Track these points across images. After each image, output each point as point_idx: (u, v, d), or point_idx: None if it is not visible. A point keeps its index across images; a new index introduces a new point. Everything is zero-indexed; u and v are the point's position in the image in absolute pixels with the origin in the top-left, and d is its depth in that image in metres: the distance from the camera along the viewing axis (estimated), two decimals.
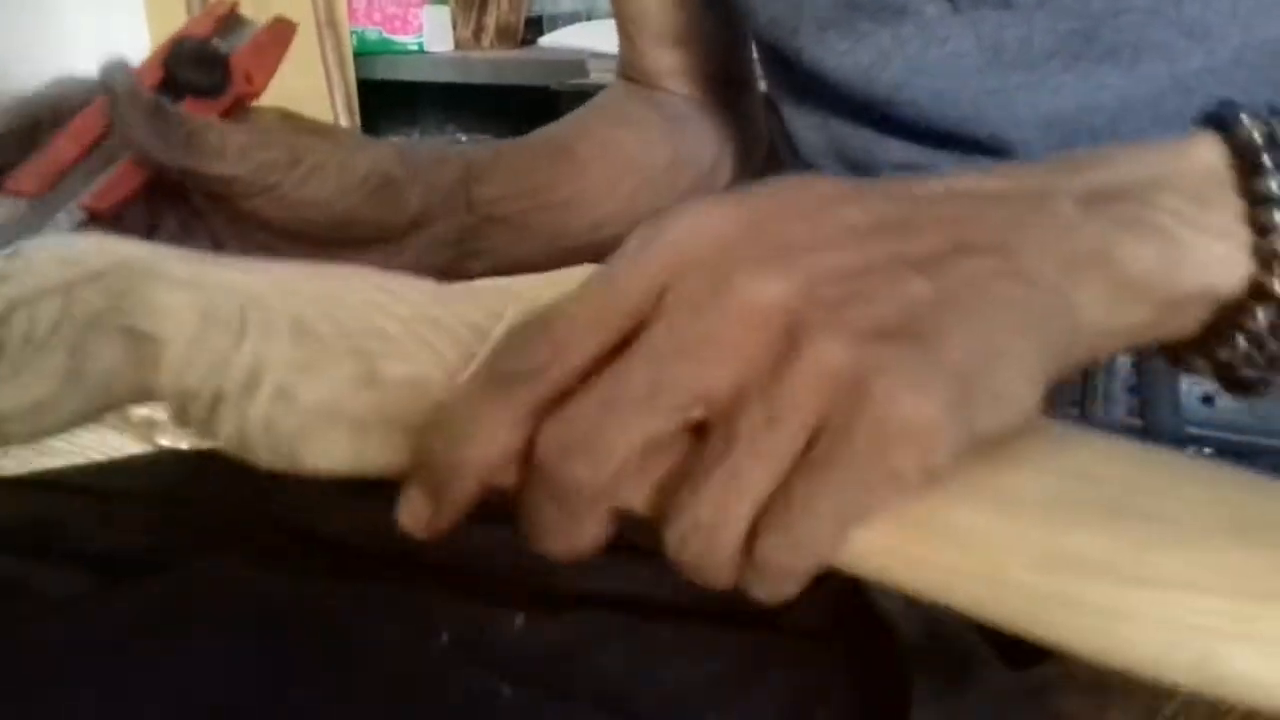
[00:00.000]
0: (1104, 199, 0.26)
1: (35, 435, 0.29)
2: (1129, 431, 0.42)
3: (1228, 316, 0.26)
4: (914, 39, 0.42)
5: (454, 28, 2.94)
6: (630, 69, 0.60)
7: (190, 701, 0.35)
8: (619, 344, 0.23)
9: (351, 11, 2.79)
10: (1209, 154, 0.27)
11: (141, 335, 0.27)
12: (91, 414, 0.29)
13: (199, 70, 0.41)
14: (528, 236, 0.47)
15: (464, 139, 3.37)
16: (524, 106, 2.85)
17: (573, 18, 2.86)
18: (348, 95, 2.57)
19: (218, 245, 0.41)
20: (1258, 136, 0.26)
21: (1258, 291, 0.25)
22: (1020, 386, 0.23)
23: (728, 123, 0.60)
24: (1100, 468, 0.24)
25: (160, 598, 0.36)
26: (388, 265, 0.40)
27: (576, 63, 2.03)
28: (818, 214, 0.24)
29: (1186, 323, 0.26)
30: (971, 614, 0.24)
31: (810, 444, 0.22)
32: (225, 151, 0.40)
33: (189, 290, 0.27)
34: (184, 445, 1.03)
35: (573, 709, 0.34)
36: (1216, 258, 0.26)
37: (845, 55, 0.43)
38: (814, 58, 0.44)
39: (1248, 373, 0.27)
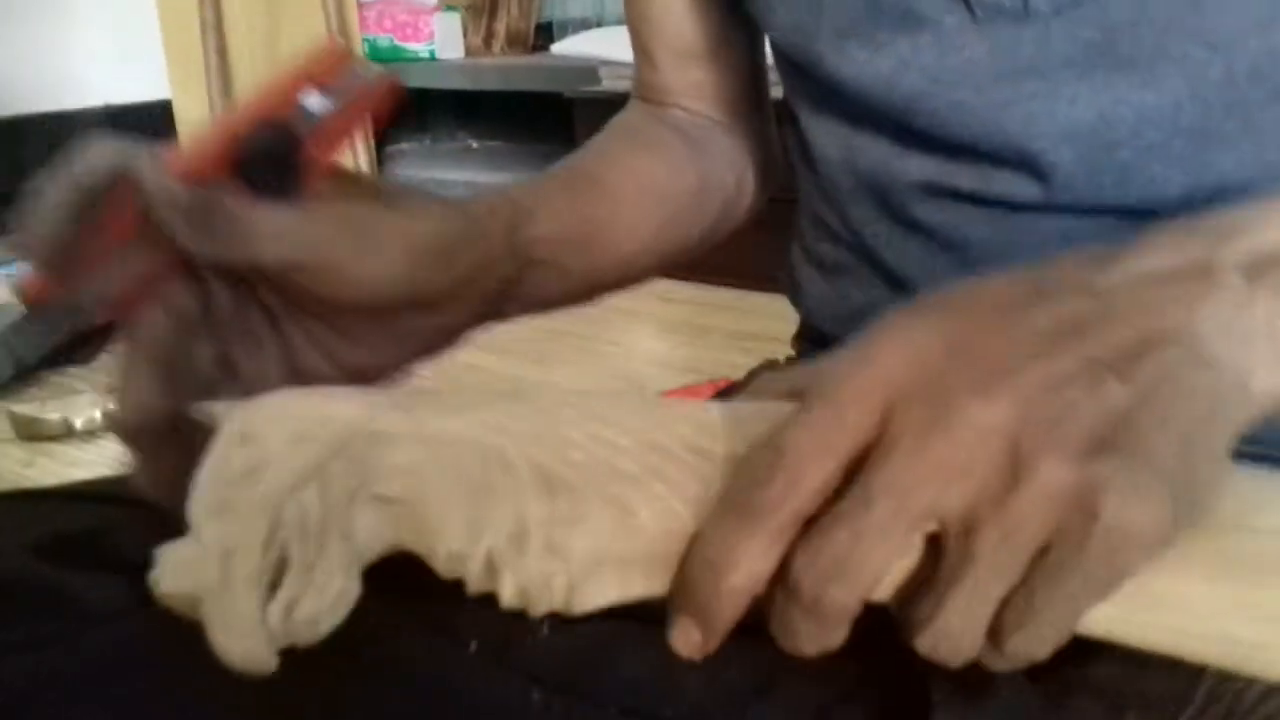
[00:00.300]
0: (1266, 266, 0.27)
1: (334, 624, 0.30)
2: None
3: None
4: (932, 48, 0.42)
5: (465, 35, 2.96)
6: (647, 90, 0.59)
7: (230, 710, 0.36)
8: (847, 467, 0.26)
9: (363, 19, 2.81)
10: None
11: (391, 500, 0.29)
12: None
13: (269, 174, 0.35)
14: (563, 276, 0.47)
15: (475, 145, 3.38)
16: (536, 112, 2.87)
17: (582, 24, 2.88)
18: None
19: (273, 320, 0.39)
20: None
21: None
22: (1214, 469, 0.26)
23: (748, 141, 0.60)
24: None
25: None
26: (439, 325, 0.40)
27: (588, 69, 2.04)
28: (1009, 325, 0.26)
29: None
30: (1196, 662, 0.28)
31: (1043, 551, 0.25)
32: (280, 237, 0.36)
33: (417, 447, 0.29)
34: None
35: (601, 714, 0.34)
36: None
37: (865, 64, 0.43)
38: (833, 66, 0.44)
39: None
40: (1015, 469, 0.24)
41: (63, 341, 0.37)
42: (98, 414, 1.08)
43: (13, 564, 0.38)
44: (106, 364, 1.40)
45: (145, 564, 0.40)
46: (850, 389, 0.26)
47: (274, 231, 0.35)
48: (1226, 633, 0.27)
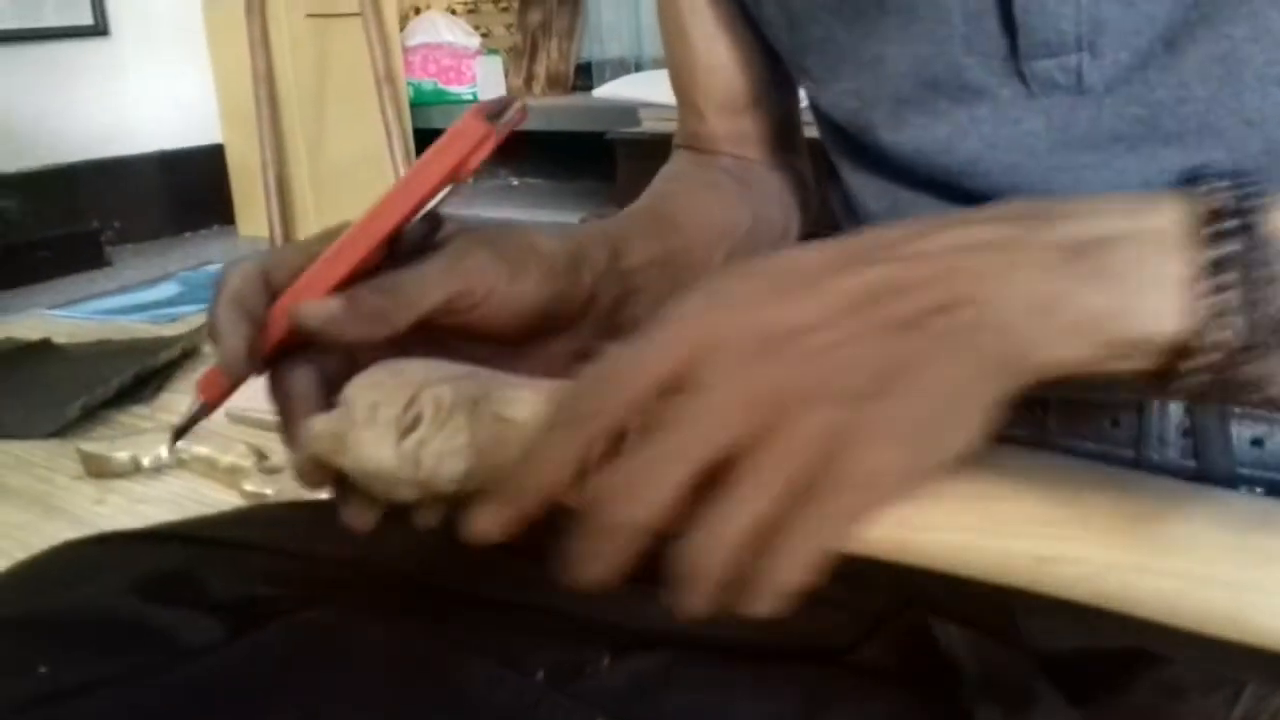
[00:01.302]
0: (1076, 249, 0.29)
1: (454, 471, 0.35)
2: (1182, 472, 0.43)
3: (1177, 360, 0.29)
4: (988, 119, 0.44)
5: (506, 77, 3.02)
6: (693, 139, 0.62)
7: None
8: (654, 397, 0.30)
9: (408, 64, 2.88)
10: (1170, 216, 0.29)
11: (506, 420, 0.35)
12: None
13: (419, 253, 0.39)
14: (654, 302, 0.50)
15: (515, 182, 3.43)
16: (575, 152, 2.91)
17: (620, 65, 2.93)
18: (405, 145, 2.64)
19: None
20: (1213, 206, 0.29)
21: (1201, 342, 0.28)
22: (974, 417, 0.28)
23: (789, 181, 0.63)
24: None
25: (280, 644, 0.39)
26: (567, 350, 0.44)
27: (628, 110, 2.08)
28: (814, 290, 0.29)
29: (1139, 363, 0.29)
30: (1174, 619, 0.30)
31: (796, 483, 0.28)
32: (440, 282, 0.39)
33: (529, 389, 0.36)
34: (268, 491, 1.08)
35: None
36: (1158, 309, 0.28)
37: (922, 130, 0.45)
38: (889, 131, 0.46)
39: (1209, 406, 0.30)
40: (783, 413, 0.28)
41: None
42: (164, 452, 1.11)
43: (113, 602, 0.41)
44: (167, 403, 1.45)
45: (230, 602, 0.43)
46: (664, 333, 0.30)
47: (435, 279, 0.39)
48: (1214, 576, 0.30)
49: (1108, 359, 0.29)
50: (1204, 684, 0.38)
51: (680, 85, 0.61)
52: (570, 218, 2.67)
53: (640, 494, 0.29)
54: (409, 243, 0.40)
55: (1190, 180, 0.30)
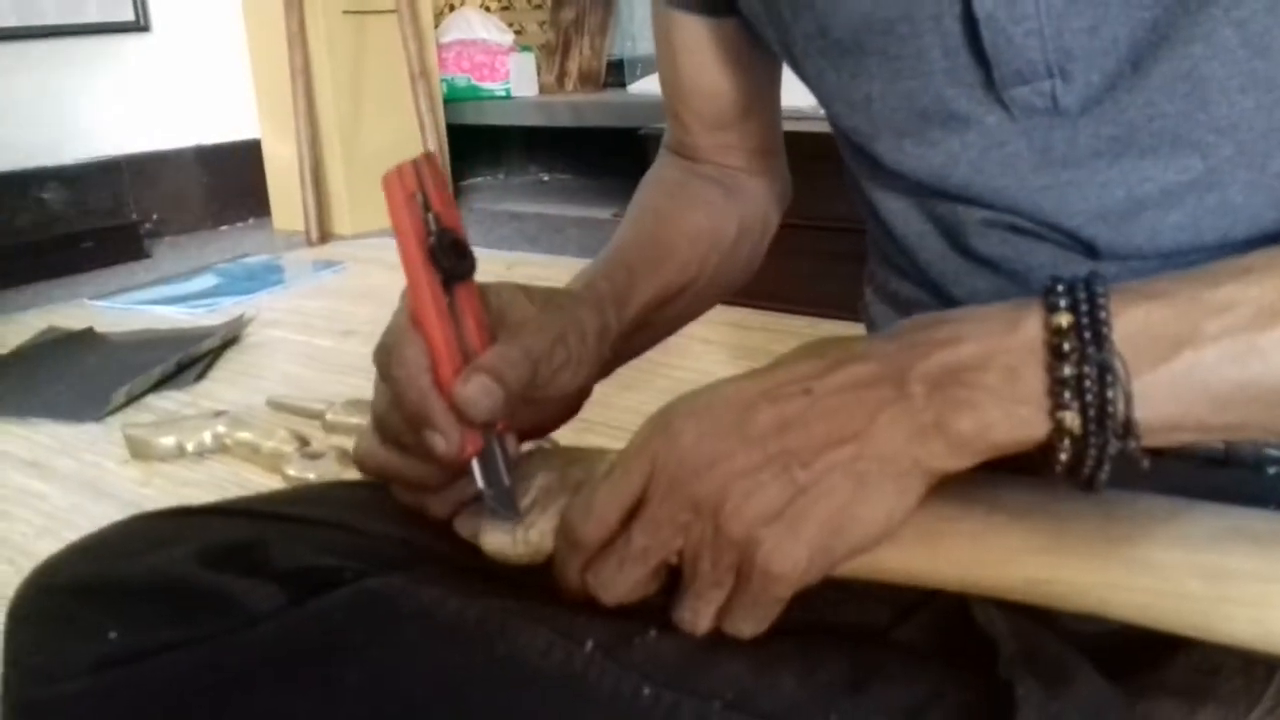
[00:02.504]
0: (944, 382, 0.36)
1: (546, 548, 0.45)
2: (1211, 455, 0.45)
3: (1051, 451, 0.35)
4: (977, 144, 0.47)
5: (539, 74, 3.04)
6: (680, 146, 0.66)
7: (366, 701, 0.40)
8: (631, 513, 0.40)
9: (442, 61, 2.90)
10: (1031, 332, 0.35)
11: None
12: None
13: (462, 260, 0.44)
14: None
15: (546, 178, 3.45)
16: (605, 147, 2.93)
17: (651, 63, 2.93)
18: (439, 140, 2.67)
19: None
20: (1065, 323, 0.34)
21: (1056, 441, 0.34)
22: (871, 528, 0.37)
23: (770, 184, 0.67)
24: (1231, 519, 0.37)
25: (343, 610, 0.41)
26: (583, 392, 0.51)
27: (659, 106, 2.09)
28: (737, 423, 0.38)
29: (1021, 455, 0.35)
30: (1154, 625, 0.36)
31: (736, 574, 0.38)
32: (520, 379, 0.45)
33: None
34: (310, 475, 1.10)
35: (705, 707, 0.38)
36: (1022, 420, 0.35)
37: (919, 159, 0.48)
38: (893, 159, 0.50)
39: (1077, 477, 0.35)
40: (716, 526, 0.38)
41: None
42: (207, 437, 1.14)
43: (181, 570, 0.43)
44: (208, 390, 1.48)
45: (293, 572, 0.44)
46: (627, 466, 0.40)
47: (516, 376, 0.45)
48: (1183, 591, 0.35)
49: (990, 456, 0.36)
50: (1240, 663, 0.39)
51: (669, 100, 0.65)
52: (600, 213, 2.68)
53: (612, 588, 0.40)
54: (446, 265, 0.44)
55: (1049, 290, 0.35)
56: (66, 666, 0.42)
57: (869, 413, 0.37)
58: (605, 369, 0.53)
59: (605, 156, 3.08)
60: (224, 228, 2.77)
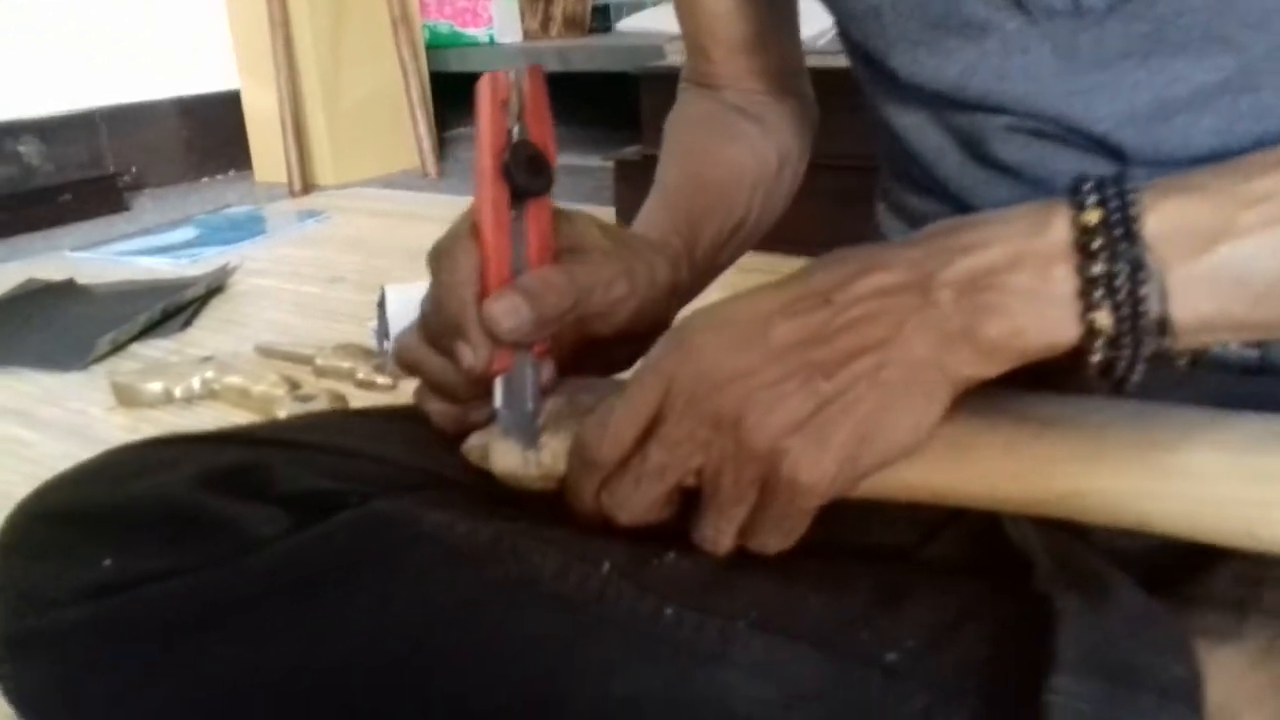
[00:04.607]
0: (971, 287, 0.34)
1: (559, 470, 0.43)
2: (1245, 362, 0.44)
3: (1074, 354, 0.34)
4: (996, 52, 0.45)
5: (522, 19, 2.98)
6: (702, 76, 0.64)
7: (379, 625, 0.38)
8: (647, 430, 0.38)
9: (424, 6, 2.84)
10: (1059, 232, 0.34)
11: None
12: None
13: (536, 177, 0.43)
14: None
15: None
16: (595, 93, 2.88)
17: (636, 6, 2.88)
18: (422, 88, 2.61)
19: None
20: (1094, 220, 0.33)
21: (1088, 344, 0.33)
22: (898, 437, 0.35)
23: (797, 108, 0.64)
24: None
25: (349, 533, 0.39)
26: (644, 348, 0.48)
27: (650, 46, 2.04)
28: (758, 339, 0.36)
29: (1051, 360, 0.34)
30: (1195, 536, 0.35)
31: (760, 489, 0.37)
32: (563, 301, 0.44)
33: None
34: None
35: (731, 627, 0.36)
36: (1053, 322, 0.33)
37: (936, 70, 0.46)
38: (908, 72, 0.48)
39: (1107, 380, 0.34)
40: (738, 440, 0.36)
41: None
42: (196, 382, 1.11)
43: (179, 494, 0.41)
44: (193, 338, 1.45)
45: (295, 495, 0.43)
46: (643, 383, 0.38)
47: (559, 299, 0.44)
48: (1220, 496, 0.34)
49: (1020, 363, 0.34)
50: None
51: (687, 29, 0.63)
52: (590, 160, 2.64)
53: (629, 507, 0.39)
54: (522, 171, 0.43)
55: (1076, 188, 0.34)
56: (60, 594, 0.40)
57: (894, 321, 0.35)
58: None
59: (594, 104, 3.04)
60: (205, 180, 2.73)
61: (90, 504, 0.43)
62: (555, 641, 0.37)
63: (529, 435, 0.42)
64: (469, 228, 0.43)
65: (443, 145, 2.83)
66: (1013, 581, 0.38)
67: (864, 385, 0.35)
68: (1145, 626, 0.34)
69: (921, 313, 0.35)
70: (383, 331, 1.15)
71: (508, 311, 0.42)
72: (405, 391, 1.19)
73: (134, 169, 2.57)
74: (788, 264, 0.38)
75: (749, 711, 0.35)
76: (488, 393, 0.43)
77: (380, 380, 1.11)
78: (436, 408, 0.46)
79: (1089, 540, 0.39)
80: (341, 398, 1.06)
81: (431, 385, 0.46)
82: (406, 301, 1.12)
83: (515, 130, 0.43)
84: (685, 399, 0.37)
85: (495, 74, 0.43)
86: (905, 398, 0.35)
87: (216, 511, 0.40)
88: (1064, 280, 0.33)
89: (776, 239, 0.66)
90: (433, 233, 0.45)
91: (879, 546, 0.43)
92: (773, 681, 0.35)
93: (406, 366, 0.46)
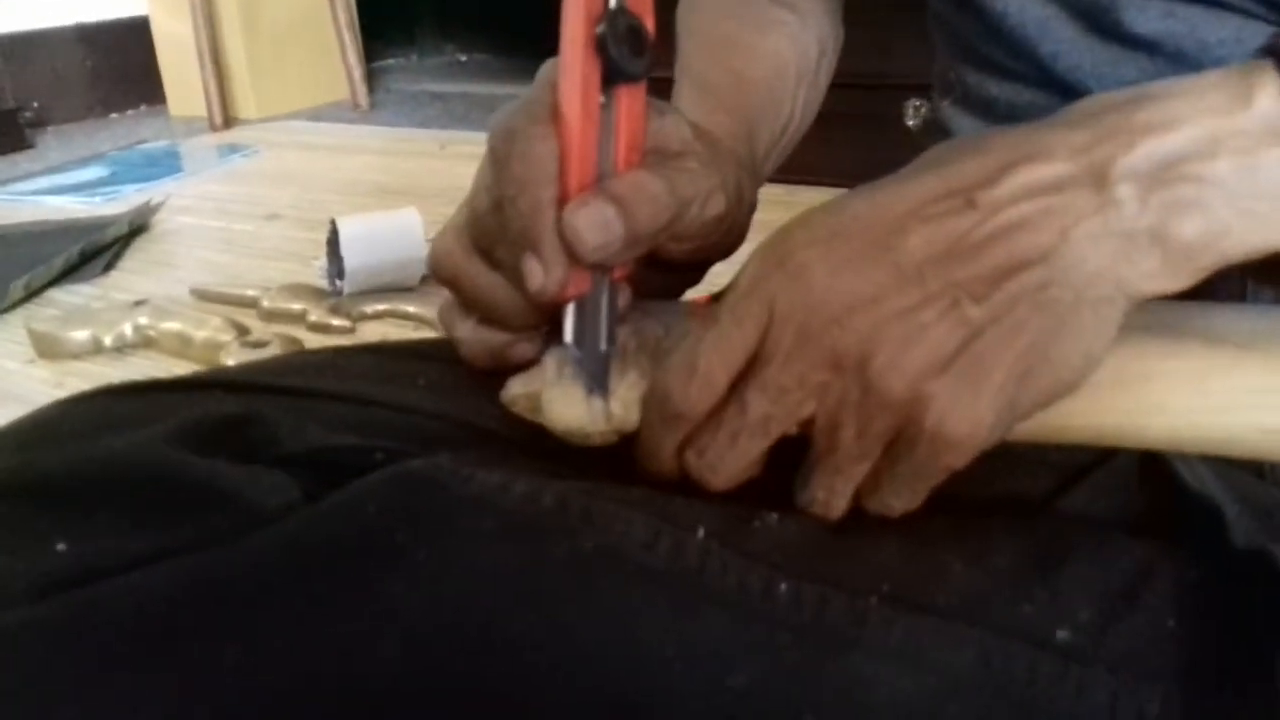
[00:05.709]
0: (1159, 178, 0.28)
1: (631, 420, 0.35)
2: None
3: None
4: None
5: None
6: None
7: (423, 614, 0.30)
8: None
9: None
10: (1266, 104, 0.28)
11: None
12: None
13: (636, 58, 0.33)
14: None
15: (463, 58, 3.27)
16: (521, 24, 2.76)
17: None
18: (349, 14, 2.47)
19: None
20: None
21: None
22: (1067, 372, 0.29)
23: None
24: None
25: (382, 500, 0.31)
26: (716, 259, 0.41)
27: None
28: (883, 252, 0.29)
29: (1237, 267, 0.29)
30: None
31: (891, 442, 0.30)
32: (671, 205, 0.35)
33: (694, 320, 0.36)
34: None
35: (862, 603, 0.29)
36: (1263, 221, 0.28)
37: None
38: None
39: None
40: (865, 385, 0.30)
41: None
42: (128, 329, 1.01)
43: (151, 456, 0.32)
44: (119, 282, 1.31)
45: (306, 454, 0.34)
46: (738, 314, 0.31)
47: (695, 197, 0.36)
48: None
49: (1212, 271, 0.28)
50: None
51: None
52: (518, 91, 2.54)
53: (723, 469, 0.32)
54: (621, 46, 0.34)
55: (1271, 49, 0.28)
56: None
57: (1060, 226, 0.29)
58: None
59: (527, 35, 2.93)
60: (114, 115, 2.56)
61: (33, 472, 0.33)
62: (650, 628, 0.29)
63: (599, 380, 0.34)
64: (549, 111, 0.34)
65: (372, 76, 2.69)
66: (1189, 536, 0.32)
67: (1024, 309, 0.29)
68: None
69: (1098, 214, 0.28)
70: (335, 270, 1.05)
71: (596, 225, 0.33)
72: (364, 335, 1.10)
73: (35, 104, 2.39)
74: (803, 195, 0.31)
75: (894, 706, 0.28)
76: (546, 322, 0.35)
77: (336, 323, 1.02)
78: (474, 336, 0.37)
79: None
80: (297, 342, 0.96)
81: (472, 304, 0.37)
82: (361, 236, 1.02)
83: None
84: (794, 334, 0.30)
85: None
86: (1074, 321, 0.29)
87: (204, 477, 0.31)
88: (1275, 166, 0.28)
89: (789, 168, 0.58)
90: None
91: (1010, 496, 0.36)
92: (920, 670, 0.28)
93: (446, 277, 0.37)
